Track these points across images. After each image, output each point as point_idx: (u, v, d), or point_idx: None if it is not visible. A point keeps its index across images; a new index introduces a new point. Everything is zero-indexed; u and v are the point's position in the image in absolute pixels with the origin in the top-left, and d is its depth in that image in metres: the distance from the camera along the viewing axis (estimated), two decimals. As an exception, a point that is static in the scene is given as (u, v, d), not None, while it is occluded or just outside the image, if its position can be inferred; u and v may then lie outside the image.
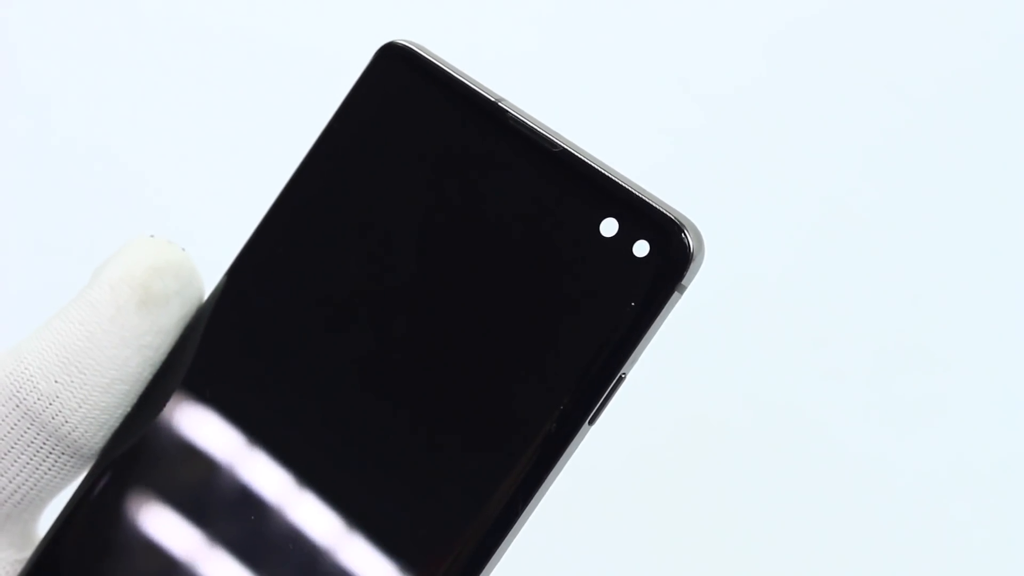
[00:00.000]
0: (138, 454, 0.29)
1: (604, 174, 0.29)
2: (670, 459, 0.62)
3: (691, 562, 0.63)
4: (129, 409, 0.29)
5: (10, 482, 0.29)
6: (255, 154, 0.62)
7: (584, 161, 0.29)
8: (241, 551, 0.29)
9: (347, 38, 0.62)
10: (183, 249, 0.30)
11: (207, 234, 0.51)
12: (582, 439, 0.29)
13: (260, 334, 0.30)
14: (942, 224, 0.62)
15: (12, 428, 0.29)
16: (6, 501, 0.29)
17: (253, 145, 0.63)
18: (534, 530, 0.58)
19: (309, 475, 0.29)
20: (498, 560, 0.29)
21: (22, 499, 0.29)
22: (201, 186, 0.63)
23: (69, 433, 0.29)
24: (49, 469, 0.29)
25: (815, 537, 0.62)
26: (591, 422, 0.29)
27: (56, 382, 0.29)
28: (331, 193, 0.30)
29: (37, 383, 0.29)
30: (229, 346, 0.30)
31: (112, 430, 0.29)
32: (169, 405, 0.29)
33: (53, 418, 0.29)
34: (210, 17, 0.64)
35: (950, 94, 0.62)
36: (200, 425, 0.30)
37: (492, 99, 0.30)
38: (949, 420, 0.62)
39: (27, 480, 0.29)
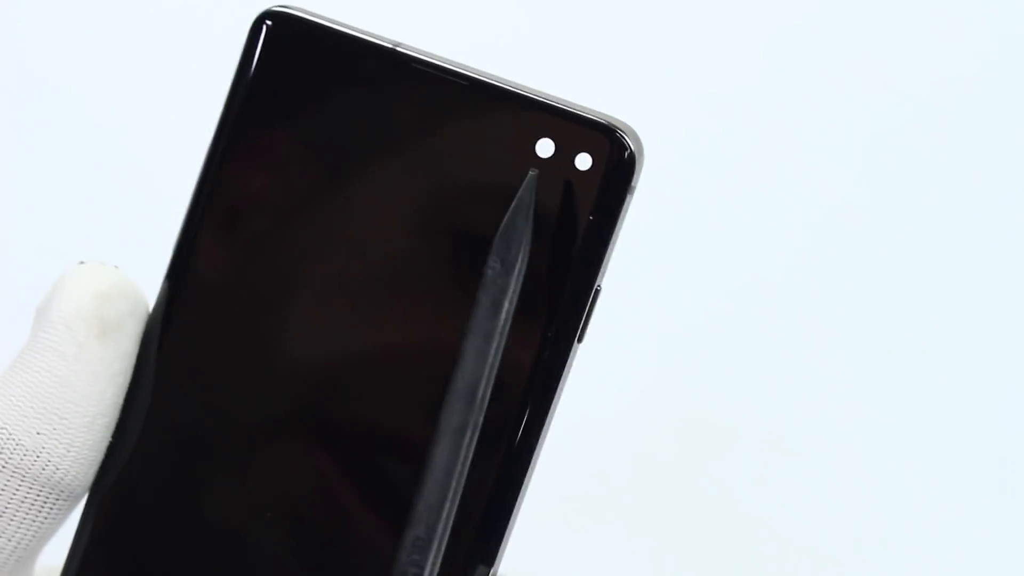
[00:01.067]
0: (131, 475, 0.29)
1: (525, 96, 0.28)
2: (670, 459, 0.62)
3: (693, 561, 0.63)
4: (112, 438, 0.29)
5: (9, 541, 0.29)
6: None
7: (501, 87, 0.28)
8: (248, 546, 0.29)
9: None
10: (116, 267, 0.29)
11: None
12: (574, 359, 0.28)
13: (212, 331, 0.29)
14: (942, 225, 0.62)
15: (3, 489, 0.28)
16: (8, 559, 0.29)
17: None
18: (538, 531, 0.57)
19: (307, 421, 0.29)
20: (525, 493, 0.28)
21: (23, 552, 0.29)
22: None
23: (61, 479, 0.29)
24: (46, 518, 0.29)
25: (815, 536, 0.62)
26: (579, 340, 0.28)
27: (39, 434, 0.28)
28: (254, 176, 0.29)
29: (20, 440, 0.28)
30: (186, 349, 0.29)
31: (100, 462, 0.29)
32: (148, 421, 0.29)
33: (43, 470, 0.28)
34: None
35: (950, 95, 0.62)
36: (183, 429, 0.29)
37: (389, 45, 0.29)
38: (949, 420, 0.62)
39: (26, 534, 0.29)
